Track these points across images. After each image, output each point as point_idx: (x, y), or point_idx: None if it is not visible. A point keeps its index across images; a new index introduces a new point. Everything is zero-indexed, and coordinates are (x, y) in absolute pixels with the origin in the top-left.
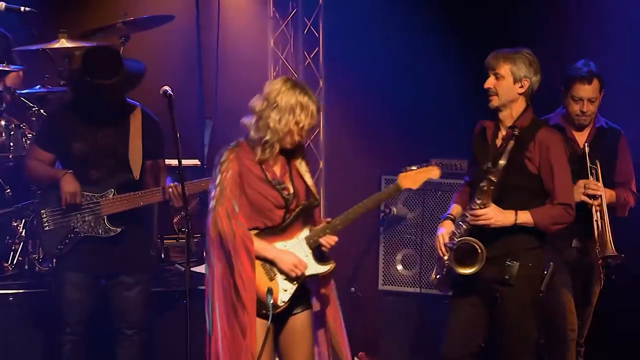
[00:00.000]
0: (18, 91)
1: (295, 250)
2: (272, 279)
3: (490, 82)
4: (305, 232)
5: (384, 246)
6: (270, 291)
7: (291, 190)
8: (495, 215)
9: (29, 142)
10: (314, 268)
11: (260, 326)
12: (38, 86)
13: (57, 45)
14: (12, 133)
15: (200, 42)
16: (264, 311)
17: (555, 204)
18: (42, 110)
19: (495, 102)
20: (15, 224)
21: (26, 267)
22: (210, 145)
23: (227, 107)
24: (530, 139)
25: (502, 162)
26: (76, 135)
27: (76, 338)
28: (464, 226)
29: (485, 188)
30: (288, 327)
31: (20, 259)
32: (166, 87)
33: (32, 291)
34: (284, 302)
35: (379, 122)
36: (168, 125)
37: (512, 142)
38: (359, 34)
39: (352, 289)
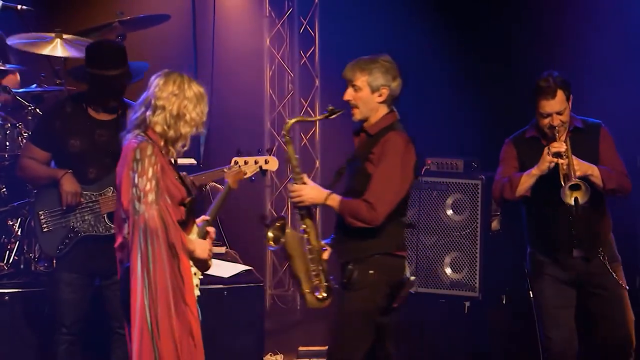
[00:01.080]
0: (14, 90)
1: None
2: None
3: (349, 95)
4: (195, 227)
5: None
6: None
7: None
8: (307, 193)
9: (24, 140)
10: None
11: None
12: (34, 85)
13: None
14: (7, 132)
15: (196, 41)
16: None
17: (362, 199)
18: (38, 110)
19: (357, 115)
20: (10, 223)
21: (22, 266)
22: (206, 144)
23: (223, 106)
24: (376, 142)
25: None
26: (73, 133)
27: (72, 338)
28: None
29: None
30: None
31: (16, 258)
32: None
33: (27, 290)
34: (198, 295)
35: None
36: None
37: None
38: (354, 33)
39: None
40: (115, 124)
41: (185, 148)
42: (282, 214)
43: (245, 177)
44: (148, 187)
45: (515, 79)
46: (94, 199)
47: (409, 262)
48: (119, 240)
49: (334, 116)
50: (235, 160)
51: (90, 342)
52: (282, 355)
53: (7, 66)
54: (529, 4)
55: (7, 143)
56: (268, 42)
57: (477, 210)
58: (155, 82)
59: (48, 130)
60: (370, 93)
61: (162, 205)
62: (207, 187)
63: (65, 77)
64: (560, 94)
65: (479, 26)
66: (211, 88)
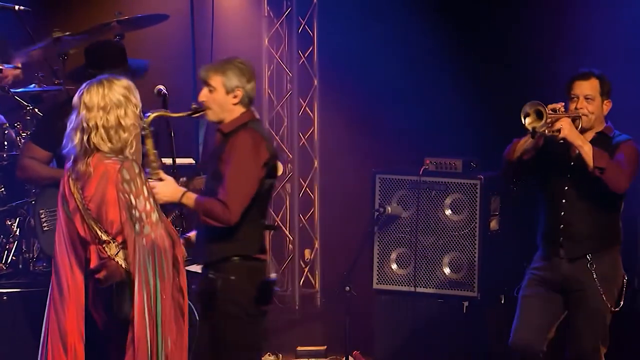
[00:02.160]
0: (12, 90)
1: None
2: None
3: (203, 95)
4: None
5: (378, 245)
6: None
7: None
8: (162, 190)
9: (23, 140)
10: None
11: None
12: (32, 85)
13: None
14: (6, 132)
15: (194, 41)
16: None
17: (216, 198)
18: (36, 109)
19: (210, 116)
20: (9, 223)
21: (20, 266)
22: (205, 144)
23: None
24: (227, 142)
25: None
26: None
27: None
28: None
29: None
30: None
31: (14, 258)
32: (160, 86)
33: (26, 290)
34: None
35: (373, 121)
36: (163, 124)
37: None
38: (353, 33)
39: (347, 288)
40: None
41: (132, 151)
42: (280, 215)
43: None
44: (148, 207)
45: (515, 79)
46: None
47: (407, 262)
48: (94, 261)
49: (197, 115)
50: None
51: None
52: (281, 355)
53: (5, 66)
54: (529, 3)
55: (5, 143)
56: (266, 42)
57: (476, 210)
58: (80, 101)
59: (50, 130)
60: (225, 94)
61: (167, 222)
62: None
63: (64, 78)
64: (594, 81)
65: (479, 26)
66: None
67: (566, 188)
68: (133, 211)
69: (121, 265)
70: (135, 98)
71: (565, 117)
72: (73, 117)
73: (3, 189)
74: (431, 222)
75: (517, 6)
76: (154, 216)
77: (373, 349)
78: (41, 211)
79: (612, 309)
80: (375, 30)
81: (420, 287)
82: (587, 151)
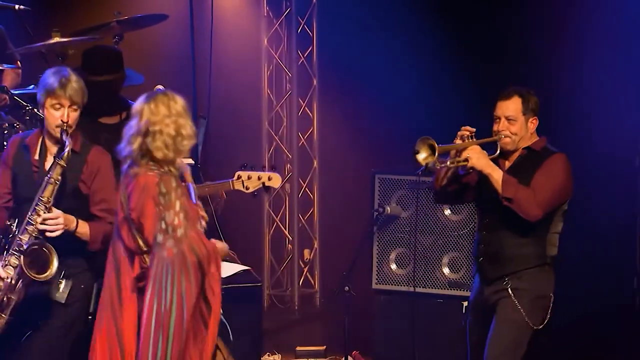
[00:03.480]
0: (12, 90)
1: None
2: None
3: (65, 117)
4: None
5: (377, 245)
6: None
7: None
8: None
9: None
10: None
11: None
12: (32, 86)
13: (51, 41)
14: (5, 132)
15: (194, 41)
16: None
17: (108, 222)
18: (35, 109)
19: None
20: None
21: None
22: (204, 144)
23: (220, 106)
24: (83, 162)
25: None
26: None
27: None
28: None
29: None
30: None
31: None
32: (160, 86)
33: None
34: None
35: (372, 121)
36: None
37: (58, 170)
38: (352, 33)
39: (346, 288)
40: (119, 127)
41: (181, 161)
42: (279, 215)
43: (248, 191)
44: (176, 221)
45: (515, 80)
46: None
47: (406, 262)
48: (137, 270)
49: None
50: (238, 175)
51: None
52: (280, 355)
53: (4, 65)
54: (530, 3)
55: (5, 143)
56: (266, 42)
57: (475, 210)
58: (145, 108)
59: None
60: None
61: (194, 237)
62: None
63: None
64: (516, 100)
65: (479, 26)
66: (209, 88)
67: (489, 207)
68: (162, 223)
69: None
70: (190, 118)
71: (473, 145)
72: (133, 122)
73: None
74: (430, 222)
75: (517, 6)
76: (180, 232)
77: (372, 348)
78: None
79: (534, 327)
80: (375, 30)
81: (420, 287)
82: (496, 179)
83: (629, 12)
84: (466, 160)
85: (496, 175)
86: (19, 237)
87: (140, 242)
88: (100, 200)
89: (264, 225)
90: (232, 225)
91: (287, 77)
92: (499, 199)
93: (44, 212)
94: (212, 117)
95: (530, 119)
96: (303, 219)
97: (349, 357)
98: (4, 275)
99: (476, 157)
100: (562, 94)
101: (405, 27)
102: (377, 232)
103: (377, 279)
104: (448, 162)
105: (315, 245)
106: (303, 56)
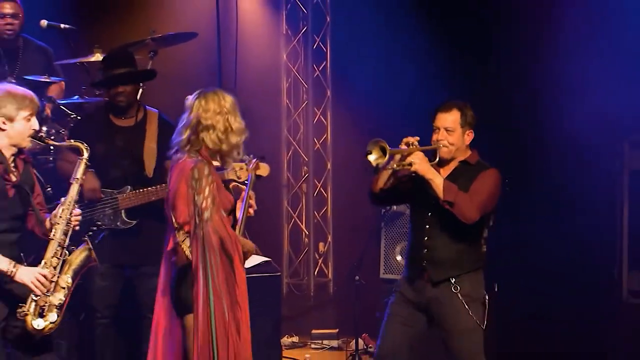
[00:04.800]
0: (58, 100)
1: None
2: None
3: None
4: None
5: (384, 239)
6: None
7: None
8: None
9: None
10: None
11: None
12: (76, 97)
13: (93, 59)
14: (52, 138)
15: (220, 56)
16: None
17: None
18: (79, 117)
19: None
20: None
21: None
22: None
23: (244, 115)
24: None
25: None
26: (97, 138)
27: (106, 321)
28: None
29: None
30: None
31: None
32: (190, 97)
33: None
34: None
35: (380, 127)
36: None
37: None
38: (362, 49)
39: (357, 277)
40: (133, 129)
41: (240, 156)
42: (297, 212)
43: (240, 180)
44: (204, 204)
45: (508, 83)
46: (113, 196)
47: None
48: (170, 245)
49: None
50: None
51: (124, 326)
52: (297, 337)
53: (52, 78)
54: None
55: (52, 148)
56: (285, 57)
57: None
58: (196, 103)
59: (78, 136)
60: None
61: (217, 220)
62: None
63: (87, 87)
64: (455, 113)
65: (488, 40)
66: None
67: (429, 214)
68: (194, 206)
69: (185, 251)
70: (239, 112)
71: (417, 152)
72: (185, 115)
73: (50, 189)
74: None
75: (541, 22)
76: (206, 214)
77: (380, 331)
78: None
79: (481, 326)
80: (383, 46)
81: None
82: (437, 184)
83: (624, 8)
84: (410, 164)
85: (437, 180)
86: (62, 238)
87: (174, 220)
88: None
89: (283, 221)
90: (255, 221)
91: (304, 88)
92: (438, 206)
93: (74, 210)
94: None
95: (467, 132)
96: (318, 215)
97: (359, 339)
98: (49, 275)
99: (419, 163)
100: (546, 92)
101: (411, 45)
102: (384, 227)
103: (384, 269)
104: (395, 165)
105: (329, 239)
106: (318, 70)
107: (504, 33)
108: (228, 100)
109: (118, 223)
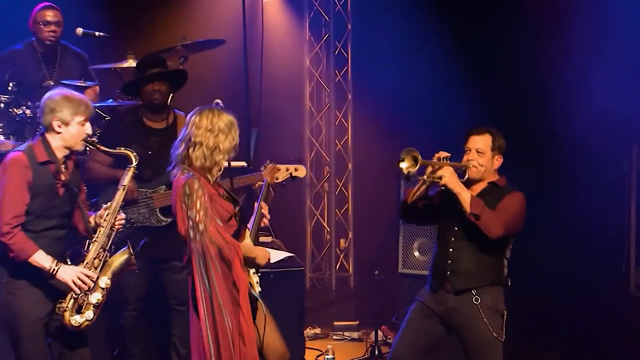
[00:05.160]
0: (93, 104)
1: None
2: (247, 274)
3: None
4: (247, 231)
5: (402, 236)
6: (251, 285)
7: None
8: None
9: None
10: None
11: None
12: (110, 100)
13: (126, 65)
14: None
15: (247, 62)
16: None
17: None
18: (110, 119)
19: None
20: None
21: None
22: (256, 149)
23: (269, 117)
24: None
25: None
26: (131, 139)
27: (136, 313)
28: None
29: None
30: (259, 309)
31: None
32: (218, 100)
33: None
34: (259, 291)
35: (398, 129)
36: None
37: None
38: (382, 55)
39: (376, 272)
40: (166, 131)
41: (220, 173)
42: (319, 210)
43: (277, 182)
44: (197, 217)
45: (515, 87)
46: (148, 195)
47: (427, 250)
48: (185, 258)
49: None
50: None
51: (153, 318)
52: (320, 329)
53: (87, 82)
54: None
55: (87, 149)
56: (308, 62)
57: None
58: (191, 120)
59: (111, 137)
60: None
61: (213, 230)
62: (255, 185)
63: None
64: (487, 137)
65: (498, 51)
66: (260, 101)
67: (455, 228)
68: (188, 221)
69: None
70: (235, 132)
71: (447, 166)
72: (184, 130)
73: (86, 188)
74: None
75: (553, 25)
76: (201, 226)
77: (398, 324)
78: (105, 206)
79: (500, 339)
80: (402, 52)
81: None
82: (465, 198)
83: (624, 10)
84: (440, 177)
85: (465, 194)
86: (104, 240)
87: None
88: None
89: (306, 219)
90: (279, 219)
91: (326, 92)
92: (465, 220)
93: (118, 215)
94: (262, 127)
95: (496, 156)
96: (339, 213)
97: (378, 330)
98: (90, 275)
99: (449, 176)
100: (557, 94)
101: (427, 49)
102: (402, 225)
103: (402, 264)
104: (425, 177)
105: (350, 236)
106: (339, 74)
107: (519, 38)
108: (224, 119)
109: (153, 221)
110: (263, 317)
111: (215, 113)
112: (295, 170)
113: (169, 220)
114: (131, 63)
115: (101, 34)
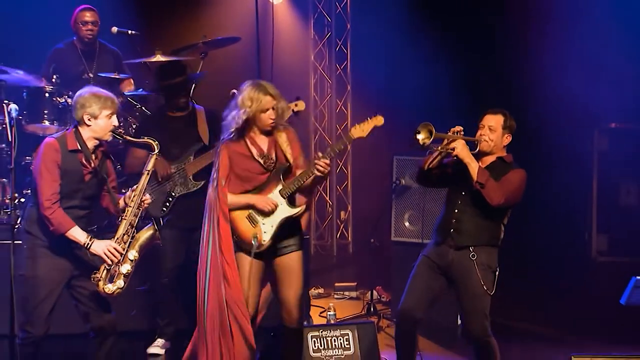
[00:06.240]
0: (125, 93)
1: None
2: (255, 225)
3: None
4: (279, 186)
5: (395, 208)
6: (255, 235)
7: (273, 159)
8: None
9: (133, 131)
10: (287, 211)
11: (247, 263)
12: (140, 89)
13: (154, 59)
14: (121, 124)
15: (259, 57)
16: (251, 251)
17: None
18: (143, 107)
19: None
20: (124, 191)
21: None
22: None
23: None
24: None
25: None
26: (160, 129)
27: (170, 280)
28: None
29: None
30: (281, 266)
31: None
32: (234, 90)
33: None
34: (265, 240)
35: (392, 115)
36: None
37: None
38: (377, 51)
39: (372, 240)
40: (188, 116)
41: (272, 117)
42: (322, 186)
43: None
44: (214, 175)
45: (501, 80)
46: (181, 167)
47: (416, 221)
48: None
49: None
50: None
51: (186, 284)
52: (323, 289)
53: (120, 75)
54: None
55: (122, 131)
56: (312, 57)
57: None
58: (241, 92)
59: (144, 135)
60: None
61: (211, 187)
62: None
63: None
64: (500, 117)
65: (487, 48)
66: None
67: (462, 193)
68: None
69: None
70: (254, 92)
71: (460, 139)
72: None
73: (120, 166)
74: (434, 191)
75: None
76: (214, 183)
77: (391, 285)
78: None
79: (489, 292)
80: (395, 48)
81: (426, 239)
82: (473, 168)
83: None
84: (453, 149)
85: (474, 165)
86: (132, 218)
87: None
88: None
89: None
90: None
91: (328, 84)
92: (471, 187)
93: (144, 196)
94: None
95: (506, 134)
96: (340, 189)
97: (373, 291)
98: (120, 249)
99: (461, 148)
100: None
101: (418, 47)
102: (394, 199)
103: (394, 233)
104: (439, 148)
105: (349, 208)
106: (340, 68)
107: (500, 32)
108: (261, 93)
109: (189, 186)
110: (257, 265)
111: (248, 85)
112: (296, 105)
113: (201, 183)
114: (159, 57)
115: (133, 32)
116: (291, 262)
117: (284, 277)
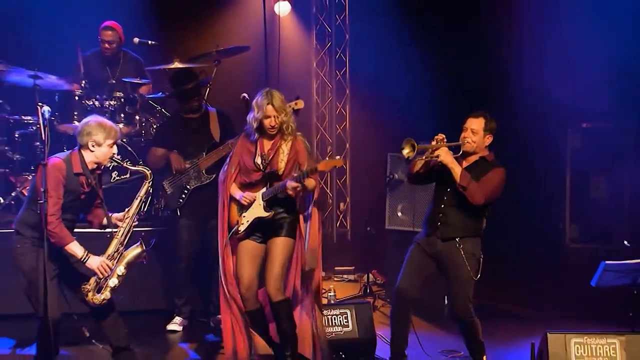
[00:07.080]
0: (147, 95)
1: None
2: (240, 214)
3: None
4: (264, 189)
5: (389, 200)
6: (237, 222)
7: (267, 162)
8: None
9: (153, 132)
10: (259, 213)
11: (241, 244)
12: (159, 93)
13: (172, 66)
14: (143, 124)
15: (267, 64)
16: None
17: None
18: (163, 109)
19: None
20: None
21: (152, 213)
22: None
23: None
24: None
25: None
26: (176, 131)
27: (188, 265)
28: None
29: None
30: (268, 248)
31: (148, 207)
32: (245, 94)
33: (155, 229)
34: (240, 230)
35: (386, 118)
36: (245, 120)
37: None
38: (373, 59)
39: (368, 228)
40: (200, 118)
41: (272, 124)
42: (323, 180)
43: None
44: (227, 161)
45: (483, 81)
46: (194, 162)
47: (408, 211)
48: None
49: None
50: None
51: (202, 272)
52: (324, 273)
53: (142, 80)
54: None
55: (143, 131)
56: (315, 64)
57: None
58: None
59: (164, 135)
60: None
61: (228, 172)
62: None
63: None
64: (481, 119)
65: (487, 47)
66: None
67: (448, 190)
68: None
69: None
70: (258, 111)
71: (443, 147)
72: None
73: (141, 162)
74: (426, 185)
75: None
76: (226, 166)
77: (385, 269)
78: (164, 182)
79: (474, 278)
80: (389, 57)
81: (417, 227)
82: (456, 172)
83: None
84: (437, 156)
85: (457, 169)
86: (122, 238)
87: None
88: None
89: None
90: None
91: (329, 88)
92: (455, 186)
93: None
94: None
95: (487, 136)
96: (339, 182)
97: (369, 274)
98: (110, 265)
99: (444, 155)
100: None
101: (410, 56)
102: (389, 192)
103: (388, 222)
104: (424, 157)
105: (348, 200)
106: (340, 74)
107: (484, 37)
108: (265, 101)
109: (202, 179)
110: (247, 245)
111: (263, 94)
112: (295, 104)
113: (213, 176)
114: (177, 64)
115: (153, 42)
116: (274, 245)
117: (267, 257)
